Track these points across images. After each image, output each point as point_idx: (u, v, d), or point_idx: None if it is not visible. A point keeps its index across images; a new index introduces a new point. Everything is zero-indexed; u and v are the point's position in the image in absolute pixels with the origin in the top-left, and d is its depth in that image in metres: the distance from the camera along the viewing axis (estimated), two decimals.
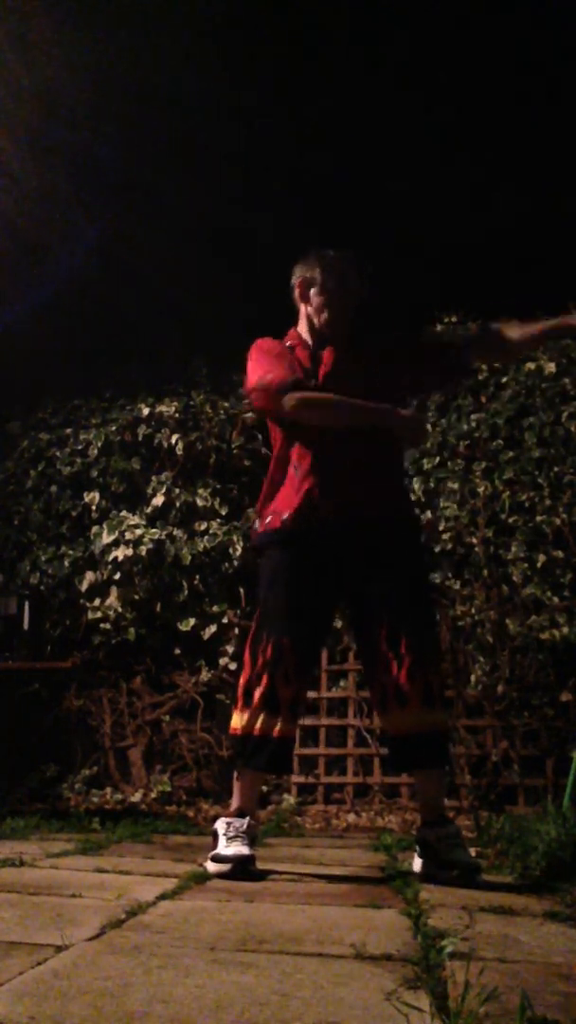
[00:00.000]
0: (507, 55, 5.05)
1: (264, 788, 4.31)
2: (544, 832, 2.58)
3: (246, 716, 2.41)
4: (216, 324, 5.17)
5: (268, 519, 2.51)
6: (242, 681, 2.46)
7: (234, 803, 2.50)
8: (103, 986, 1.21)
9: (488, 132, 5.41)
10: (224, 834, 2.38)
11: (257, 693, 2.40)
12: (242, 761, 2.46)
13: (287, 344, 2.62)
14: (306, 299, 2.63)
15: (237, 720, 2.44)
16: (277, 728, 2.38)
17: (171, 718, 4.76)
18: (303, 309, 2.64)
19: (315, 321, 2.60)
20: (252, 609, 4.73)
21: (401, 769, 2.48)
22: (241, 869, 2.26)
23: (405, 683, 2.31)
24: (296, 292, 2.64)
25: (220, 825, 2.42)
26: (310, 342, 2.60)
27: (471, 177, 5.36)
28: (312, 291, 2.61)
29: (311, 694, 4.51)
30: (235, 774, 2.53)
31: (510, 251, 5.33)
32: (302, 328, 2.65)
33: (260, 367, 2.52)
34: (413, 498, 4.62)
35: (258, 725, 2.39)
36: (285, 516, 2.45)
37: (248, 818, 2.43)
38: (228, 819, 2.43)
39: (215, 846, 2.37)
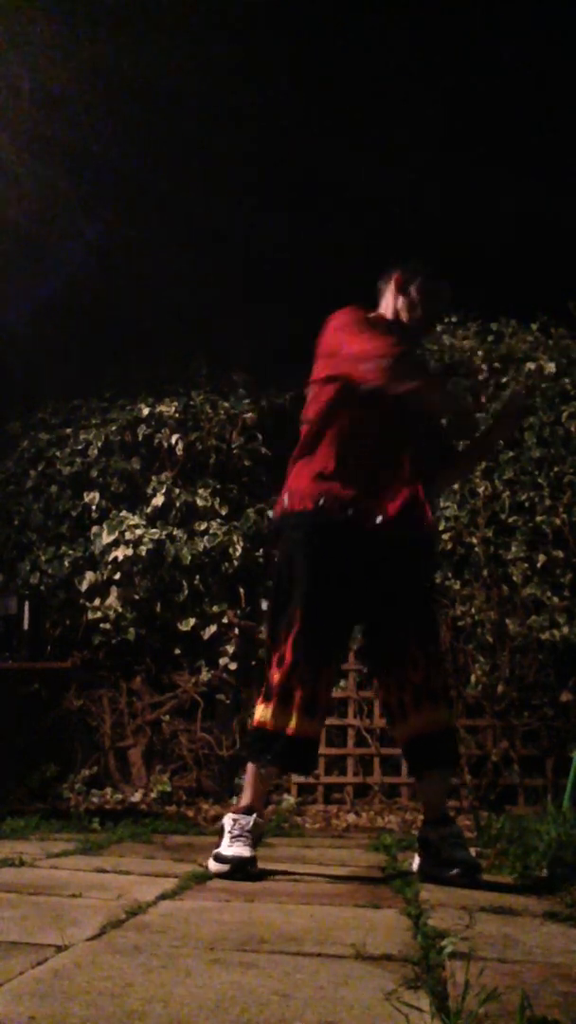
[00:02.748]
0: (507, 55, 5.05)
1: None
2: (544, 832, 2.58)
3: (266, 709, 2.38)
4: (216, 324, 5.18)
5: (292, 499, 2.44)
6: (270, 676, 2.42)
7: (244, 799, 2.48)
8: (103, 986, 1.21)
9: (488, 132, 5.41)
10: (229, 831, 2.37)
11: (277, 691, 2.37)
12: (253, 754, 2.45)
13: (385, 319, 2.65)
14: (404, 291, 2.66)
15: (258, 713, 2.42)
16: (291, 727, 2.35)
17: (171, 718, 4.76)
18: (393, 300, 2.66)
19: (404, 315, 2.64)
20: (252, 609, 4.76)
21: (418, 770, 2.48)
22: (239, 871, 2.26)
23: (425, 685, 2.36)
24: (394, 282, 2.66)
25: (227, 821, 2.41)
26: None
27: (471, 177, 5.36)
28: (413, 287, 2.65)
29: None
30: (249, 769, 2.49)
31: (510, 251, 5.33)
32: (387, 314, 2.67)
33: (363, 339, 2.44)
34: None
35: (274, 720, 2.37)
36: (322, 501, 2.39)
37: (254, 816, 2.42)
38: (235, 815, 2.42)
39: (220, 844, 2.37)
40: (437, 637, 2.50)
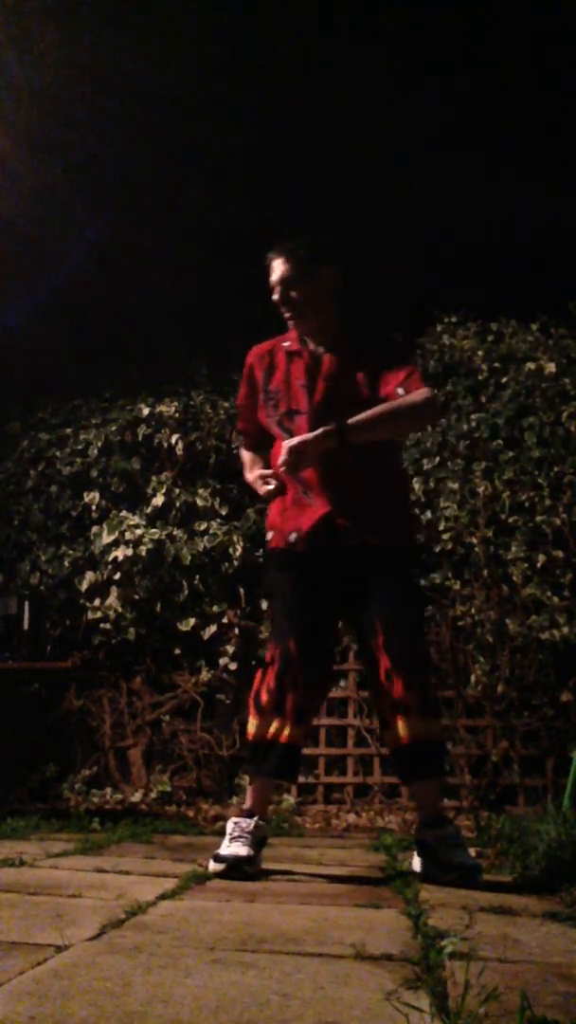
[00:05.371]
0: (508, 54, 5.06)
1: None
2: (544, 832, 2.58)
3: (258, 721, 2.44)
4: (216, 324, 5.18)
5: (271, 535, 2.56)
6: (253, 689, 2.49)
7: (245, 803, 2.52)
8: (103, 986, 1.21)
9: (489, 132, 5.41)
10: (229, 833, 2.40)
11: (266, 699, 2.43)
12: (252, 767, 2.47)
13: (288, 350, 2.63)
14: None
15: (250, 726, 2.48)
16: (285, 734, 2.39)
17: (171, 718, 4.76)
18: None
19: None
20: (252, 609, 4.76)
21: (403, 779, 2.48)
22: (236, 869, 2.27)
23: (403, 694, 2.33)
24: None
25: (229, 824, 2.44)
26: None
27: (472, 177, 5.36)
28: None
29: None
30: (248, 778, 2.54)
31: (510, 251, 5.33)
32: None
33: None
34: (413, 498, 4.62)
35: (269, 731, 2.41)
36: (292, 537, 2.48)
37: (255, 819, 2.43)
38: (236, 818, 2.43)
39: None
40: (415, 648, 2.39)
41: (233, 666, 4.64)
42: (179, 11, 4.59)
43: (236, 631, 4.69)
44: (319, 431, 2.36)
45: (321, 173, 5.37)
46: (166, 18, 4.57)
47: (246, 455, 2.78)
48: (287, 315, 2.55)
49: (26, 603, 4.79)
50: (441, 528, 4.51)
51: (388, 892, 2.11)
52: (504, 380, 4.87)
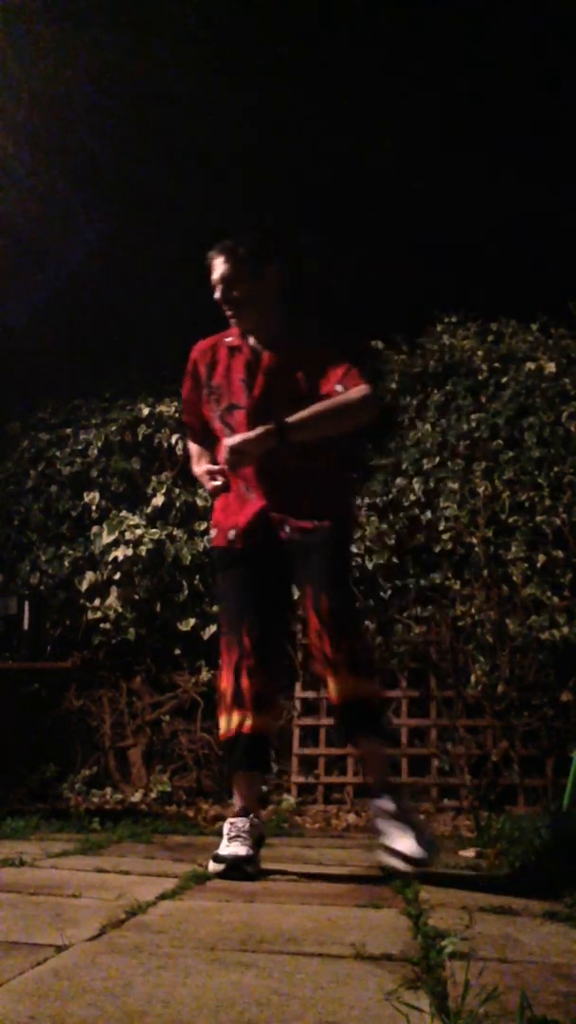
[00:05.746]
0: (508, 54, 5.05)
1: (264, 788, 4.31)
2: (544, 832, 2.58)
3: (223, 719, 2.50)
4: (216, 324, 5.17)
5: (215, 533, 2.64)
6: (218, 690, 2.56)
7: (236, 804, 2.53)
8: (103, 986, 1.21)
9: (489, 131, 5.41)
10: (226, 834, 2.40)
11: (227, 695, 2.49)
12: (228, 765, 2.51)
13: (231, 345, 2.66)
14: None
15: (220, 725, 2.54)
16: (247, 724, 2.44)
17: (171, 718, 4.76)
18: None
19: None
20: None
21: (344, 740, 2.50)
22: (235, 869, 2.27)
23: (332, 653, 2.35)
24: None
25: (225, 826, 2.45)
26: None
27: (471, 177, 5.36)
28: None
29: (311, 694, 4.51)
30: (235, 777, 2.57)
31: (510, 251, 5.33)
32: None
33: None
34: (413, 498, 4.62)
35: (232, 725, 2.46)
36: (231, 535, 2.55)
37: (250, 816, 2.43)
38: (231, 819, 2.44)
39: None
40: (343, 611, 2.40)
41: None
42: (179, 11, 4.59)
43: None
44: (259, 430, 2.41)
45: (321, 173, 5.36)
46: (166, 18, 4.57)
47: (193, 447, 2.83)
48: (228, 313, 2.59)
49: (26, 603, 4.80)
50: (441, 528, 4.51)
51: (388, 892, 2.11)
52: (504, 380, 4.86)
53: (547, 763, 4.06)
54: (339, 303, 4.80)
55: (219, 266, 2.56)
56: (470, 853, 2.89)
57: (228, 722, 2.48)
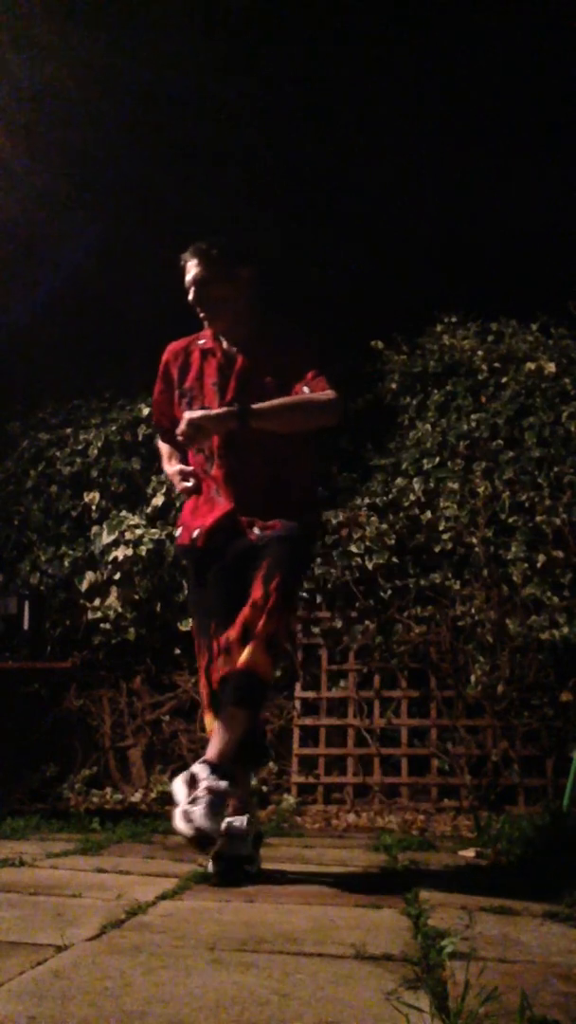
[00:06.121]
0: (509, 53, 5.06)
1: (264, 788, 4.31)
2: (544, 832, 2.58)
3: (207, 719, 2.47)
4: None
5: (179, 532, 2.64)
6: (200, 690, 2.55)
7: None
8: (103, 986, 1.21)
9: (489, 132, 5.41)
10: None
11: (204, 696, 2.47)
12: None
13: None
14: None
15: (205, 724, 2.51)
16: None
17: (171, 718, 4.76)
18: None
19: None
20: None
21: (234, 703, 2.40)
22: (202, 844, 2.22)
23: (261, 626, 2.30)
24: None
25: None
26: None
27: (472, 177, 5.36)
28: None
29: (311, 694, 4.51)
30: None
31: (510, 251, 5.33)
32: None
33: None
34: (413, 498, 4.62)
35: (209, 725, 2.43)
36: (195, 534, 2.55)
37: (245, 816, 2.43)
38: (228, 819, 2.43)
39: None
40: (284, 589, 2.35)
41: None
42: (179, 11, 4.59)
43: None
44: (222, 409, 2.43)
45: (321, 173, 5.37)
46: (166, 18, 4.57)
47: (163, 447, 2.83)
48: (202, 315, 2.59)
49: (26, 603, 4.79)
50: (441, 528, 4.51)
51: (388, 892, 2.11)
52: (504, 380, 4.86)
53: (547, 763, 4.06)
54: (312, 305, 4.80)
55: (192, 268, 2.56)
56: (470, 853, 2.89)
57: (211, 722, 2.45)
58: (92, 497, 5.20)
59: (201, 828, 2.04)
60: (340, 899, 2.00)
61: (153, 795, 4.41)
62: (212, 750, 2.24)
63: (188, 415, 2.42)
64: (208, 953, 1.42)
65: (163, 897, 1.96)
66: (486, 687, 4.17)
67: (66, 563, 5.06)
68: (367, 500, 4.74)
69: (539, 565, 4.28)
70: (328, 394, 2.48)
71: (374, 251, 5.26)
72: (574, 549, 4.28)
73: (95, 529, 5.03)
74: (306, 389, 2.48)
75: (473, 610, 4.30)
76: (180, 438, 2.47)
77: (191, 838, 2.05)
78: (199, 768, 2.19)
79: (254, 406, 2.40)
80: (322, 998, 1.18)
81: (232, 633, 2.35)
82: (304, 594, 4.60)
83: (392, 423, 5.08)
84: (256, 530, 2.47)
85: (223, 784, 2.14)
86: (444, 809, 4.06)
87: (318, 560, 4.63)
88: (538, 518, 4.36)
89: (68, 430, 5.51)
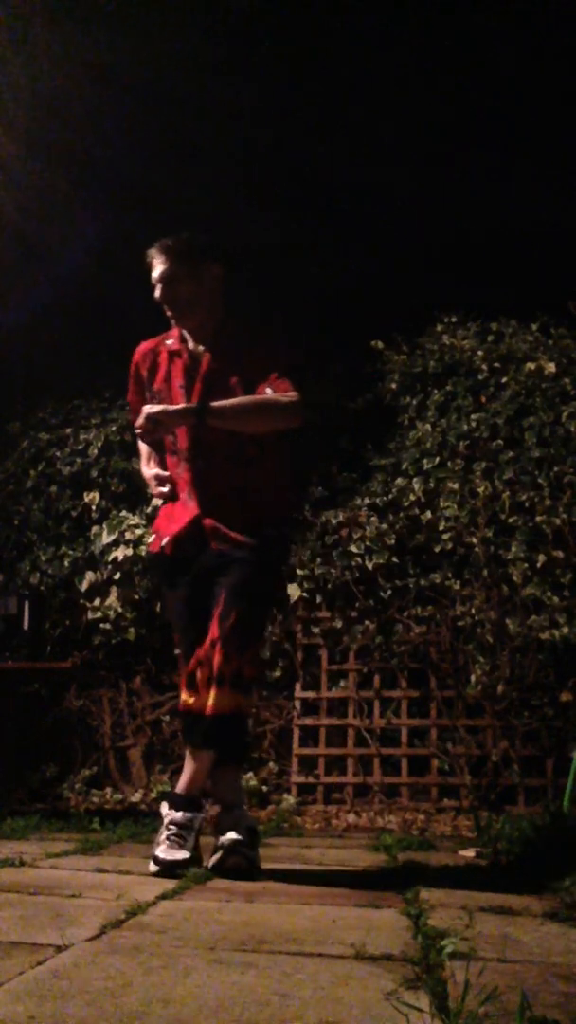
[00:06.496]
0: (509, 55, 5.06)
1: (264, 788, 4.31)
2: (544, 832, 2.58)
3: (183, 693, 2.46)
4: None
5: (152, 539, 2.66)
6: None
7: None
8: (103, 986, 1.21)
9: (489, 132, 5.41)
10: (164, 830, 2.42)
11: (184, 674, 2.45)
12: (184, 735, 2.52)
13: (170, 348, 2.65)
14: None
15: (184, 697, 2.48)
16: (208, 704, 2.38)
17: (171, 718, 4.76)
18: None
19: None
20: None
21: (201, 747, 2.42)
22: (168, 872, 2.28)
23: (220, 665, 2.34)
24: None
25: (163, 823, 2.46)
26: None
27: (472, 177, 5.36)
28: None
29: (311, 694, 4.51)
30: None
31: (510, 251, 5.33)
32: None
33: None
34: (413, 498, 4.62)
35: (186, 698, 2.42)
36: (164, 541, 2.55)
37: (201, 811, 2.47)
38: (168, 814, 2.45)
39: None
40: (243, 626, 2.39)
41: None
42: (179, 11, 4.59)
43: None
44: (181, 406, 2.45)
45: (321, 172, 5.36)
46: (166, 18, 4.57)
47: (143, 447, 2.82)
48: (169, 313, 2.58)
49: (26, 603, 4.79)
50: (441, 528, 4.51)
51: (388, 892, 2.11)
52: (504, 380, 4.86)
53: (547, 763, 4.06)
54: (313, 305, 4.79)
55: (158, 265, 2.54)
56: (470, 853, 2.89)
57: (186, 697, 2.43)
58: (92, 497, 5.20)
59: (163, 861, 2.28)
60: (340, 899, 2.00)
61: (153, 795, 4.41)
62: (180, 783, 2.42)
63: (147, 409, 2.43)
64: (208, 953, 1.42)
65: (163, 897, 1.96)
66: (486, 687, 4.17)
67: (66, 563, 5.05)
68: (367, 500, 4.74)
69: (539, 565, 4.28)
70: (290, 396, 2.47)
71: (374, 251, 5.26)
72: (574, 549, 4.28)
73: (95, 529, 5.03)
74: (269, 390, 2.47)
75: (473, 610, 4.30)
76: (138, 431, 2.49)
77: (157, 873, 2.26)
78: (163, 805, 2.43)
79: (212, 404, 2.40)
80: (322, 998, 1.18)
81: (198, 673, 2.38)
82: (304, 594, 4.60)
83: (392, 423, 5.08)
84: (219, 543, 2.46)
85: (179, 815, 2.37)
86: (444, 809, 4.06)
87: (318, 560, 4.63)
88: (538, 518, 4.36)
89: (68, 430, 5.51)
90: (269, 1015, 1.10)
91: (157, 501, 4.67)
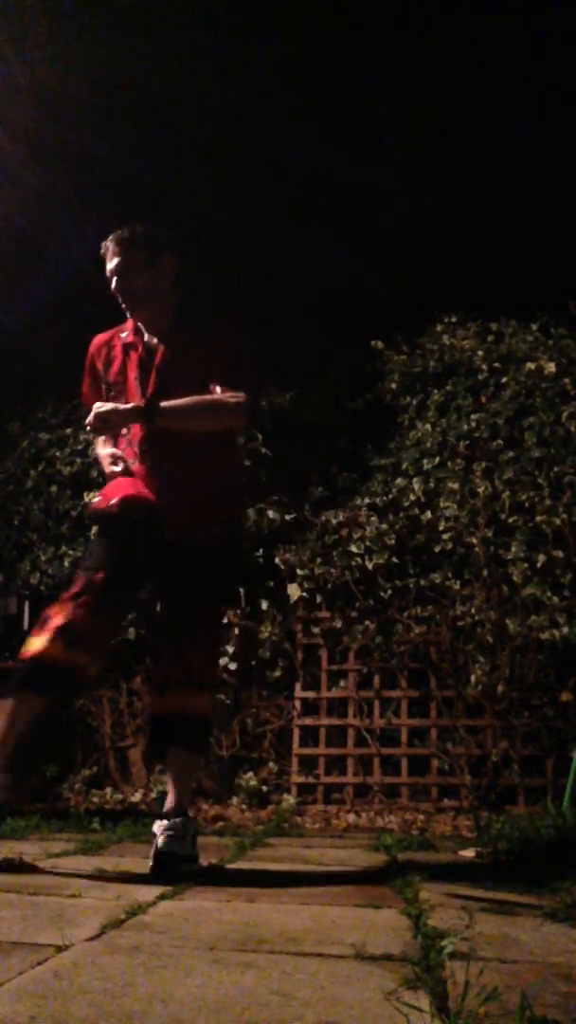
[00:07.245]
0: (509, 56, 5.06)
1: (264, 788, 4.31)
2: (544, 832, 2.58)
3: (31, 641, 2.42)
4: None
5: (98, 499, 2.59)
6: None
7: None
8: (103, 986, 1.21)
9: (489, 132, 5.41)
10: None
11: (52, 616, 2.40)
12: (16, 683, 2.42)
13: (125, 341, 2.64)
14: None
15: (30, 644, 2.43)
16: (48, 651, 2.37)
17: None
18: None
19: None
20: (252, 609, 4.75)
21: (160, 748, 2.45)
22: None
23: (178, 667, 2.37)
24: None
25: None
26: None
27: (472, 177, 5.36)
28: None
29: (311, 694, 4.51)
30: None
31: (510, 251, 5.34)
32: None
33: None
34: (413, 498, 4.62)
35: (33, 645, 2.39)
36: (112, 501, 2.47)
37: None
38: None
39: None
40: (203, 632, 2.44)
41: (233, 666, 4.64)
42: (179, 11, 4.59)
43: (236, 631, 4.69)
44: (129, 405, 2.44)
45: (321, 173, 5.37)
46: (166, 18, 4.57)
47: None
48: (123, 305, 2.57)
49: (26, 603, 4.80)
50: (441, 528, 4.51)
51: (388, 892, 2.11)
52: (504, 380, 4.86)
53: (547, 763, 4.06)
54: (313, 305, 4.79)
55: (113, 257, 2.52)
56: (470, 853, 2.89)
57: (35, 642, 2.39)
58: (92, 497, 5.20)
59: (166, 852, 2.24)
60: (340, 899, 2.00)
61: (153, 795, 4.41)
62: (174, 796, 2.39)
63: (97, 407, 2.42)
64: (208, 953, 1.42)
65: (163, 897, 1.96)
66: (486, 687, 4.17)
67: (66, 563, 5.05)
68: (367, 500, 4.74)
69: (539, 565, 4.28)
70: (238, 396, 2.46)
71: (374, 251, 5.26)
72: (574, 549, 4.28)
73: (95, 529, 5.03)
74: (219, 389, 2.47)
75: (473, 610, 4.30)
76: (87, 428, 2.47)
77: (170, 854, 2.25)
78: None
79: (162, 404, 2.39)
80: (322, 998, 1.18)
81: (161, 676, 2.41)
82: (304, 594, 4.60)
83: (392, 423, 5.08)
84: (174, 532, 2.44)
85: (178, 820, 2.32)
86: (444, 809, 4.06)
87: (318, 560, 4.63)
88: (538, 518, 4.36)
89: (68, 430, 5.51)
90: (269, 1015, 1.10)
91: None
